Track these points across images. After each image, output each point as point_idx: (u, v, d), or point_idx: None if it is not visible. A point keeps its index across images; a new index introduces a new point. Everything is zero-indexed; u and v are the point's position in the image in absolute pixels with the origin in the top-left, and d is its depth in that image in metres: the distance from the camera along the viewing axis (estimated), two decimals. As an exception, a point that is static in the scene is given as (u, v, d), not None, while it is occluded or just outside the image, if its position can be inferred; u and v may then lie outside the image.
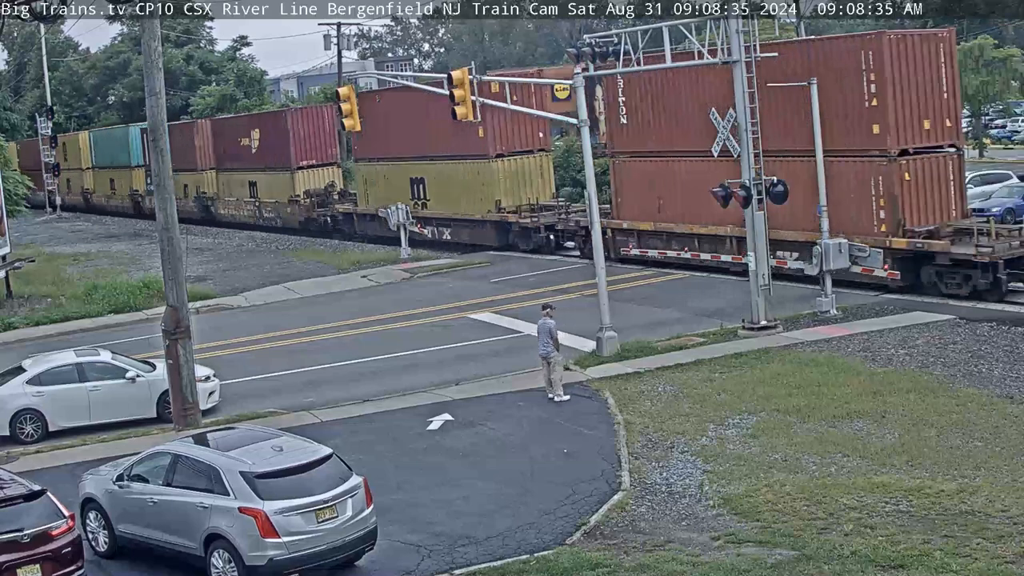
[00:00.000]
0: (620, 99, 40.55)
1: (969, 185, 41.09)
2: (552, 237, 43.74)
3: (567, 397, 24.97)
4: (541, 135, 46.74)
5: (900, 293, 32.01)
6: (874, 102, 31.71)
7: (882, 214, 32.27)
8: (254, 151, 60.81)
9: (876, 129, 32.08)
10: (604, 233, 34.23)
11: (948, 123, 32.72)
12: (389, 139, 50.44)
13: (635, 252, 40.34)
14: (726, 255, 36.67)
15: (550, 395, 25.07)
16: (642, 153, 40.04)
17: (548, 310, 25.84)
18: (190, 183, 67.99)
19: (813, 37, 42.51)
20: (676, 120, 37.84)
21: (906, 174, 32.00)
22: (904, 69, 31.96)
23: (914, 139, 32.44)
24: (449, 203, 48.29)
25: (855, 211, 32.65)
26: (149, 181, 68.94)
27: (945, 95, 32.64)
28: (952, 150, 33.14)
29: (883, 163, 32.14)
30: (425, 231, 48.85)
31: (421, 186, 49.60)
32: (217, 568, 16.40)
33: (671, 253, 38.94)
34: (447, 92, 31.55)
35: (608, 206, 40.25)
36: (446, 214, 48.57)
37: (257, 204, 61.89)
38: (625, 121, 40.40)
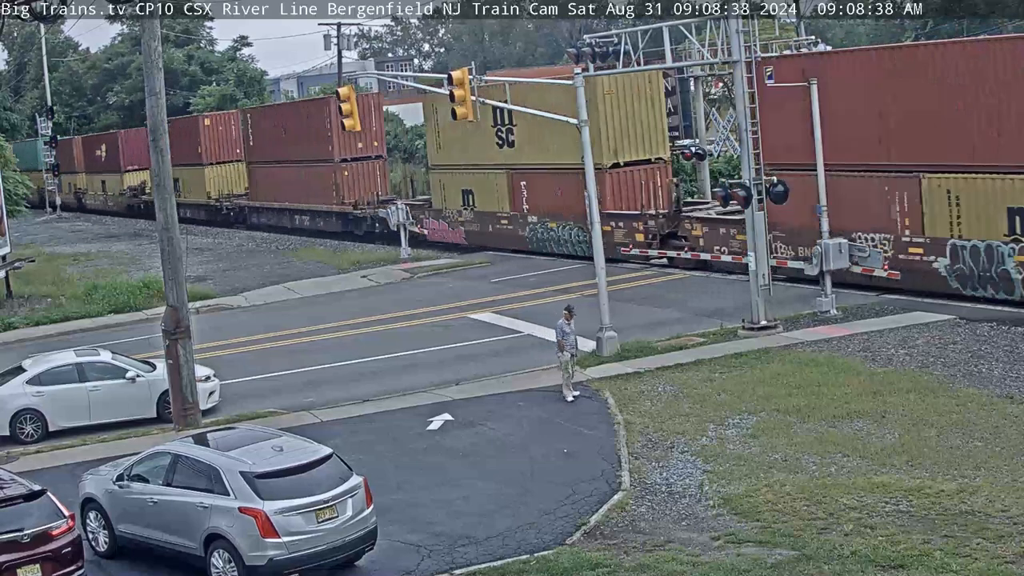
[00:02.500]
0: (249, 129, 64.51)
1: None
2: (233, 214, 66.95)
3: (570, 398, 24.90)
4: (238, 151, 67.92)
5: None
6: (330, 134, 53.97)
7: (333, 194, 56.76)
8: (103, 159, 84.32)
9: (329, 148, 56.59)
10: (242, 210, 66.43)
11: (375, 144, 57.00)
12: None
13: (262, 221, 64.09)
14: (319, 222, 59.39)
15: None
16: (266, 162, 62.98)
17: (564, 312, 25.77)
18: (70, 182, 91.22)
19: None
20: (285, 141, 59.86)
21: (345, 171, 56.37)
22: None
23: (351, 151, 56.28)
24: (188, 194, 69.91)
25: (323, 193, 57.38)
26: (52, 181, 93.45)
27: (374, 129, 56.40)
28: (378, 159, 57.44)
29: (332, 166, 56.75)
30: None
31: (178, 182, 69.55)
32: (217, 568, 16.40)
33: (283, 223, 61.91)
34: (447, 92, 31.58)
35: (248, 193, 66.27)
36: (188, 201, 68.97)
37: (105, 196, 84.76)
38: (252, 143, 63.83)
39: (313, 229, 58.93)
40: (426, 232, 50.85)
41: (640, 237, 40.88)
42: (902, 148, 31.37)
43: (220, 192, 68.90)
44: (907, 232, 31.53)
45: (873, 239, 32.11)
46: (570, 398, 24.92)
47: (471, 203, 48.65)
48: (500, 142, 46.10)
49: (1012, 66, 28.32)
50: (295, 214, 60.58)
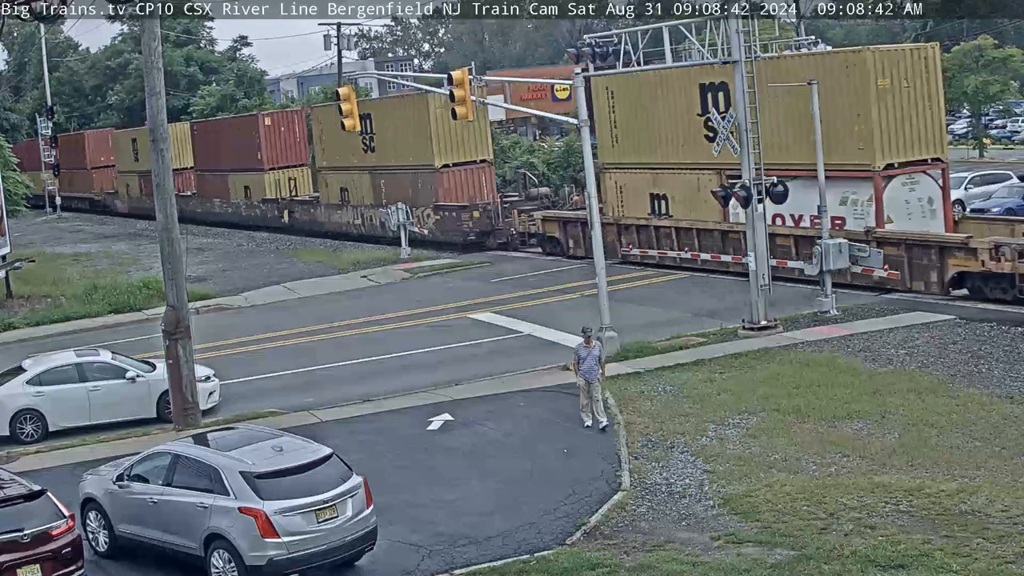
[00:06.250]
0: (56, 150, 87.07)
1: (969, 185, 44.51)
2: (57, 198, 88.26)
3: (588, 422, 23.13)
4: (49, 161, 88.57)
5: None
6: (85, 152, 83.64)
7: (90, 186, 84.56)
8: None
9: (85, 160, 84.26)
10: (53, 195, 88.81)
11: (112, 157, 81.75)
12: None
13: (70, 204, 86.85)
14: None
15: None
16: (67, 168, 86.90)
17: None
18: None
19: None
20: (72, 155, 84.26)
21: (95, 175, 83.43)
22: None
23: (98, 163, 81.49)
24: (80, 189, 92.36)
25: (83, 185, 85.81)
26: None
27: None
28: (111, 167, 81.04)
29: (87, 172, 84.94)
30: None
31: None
32: (217, 568, 16.40)
33: (73, 204, 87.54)
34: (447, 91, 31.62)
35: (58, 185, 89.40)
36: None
37: None
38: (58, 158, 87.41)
39: (77, 207, 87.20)
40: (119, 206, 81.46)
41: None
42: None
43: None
44: (296, 195, 61.48)
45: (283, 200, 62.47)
46: (588, 422, 23.02)
47: (141, 188, 74.37)
48: (135, 155, 75.02)
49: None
50: (72, 199, 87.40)
